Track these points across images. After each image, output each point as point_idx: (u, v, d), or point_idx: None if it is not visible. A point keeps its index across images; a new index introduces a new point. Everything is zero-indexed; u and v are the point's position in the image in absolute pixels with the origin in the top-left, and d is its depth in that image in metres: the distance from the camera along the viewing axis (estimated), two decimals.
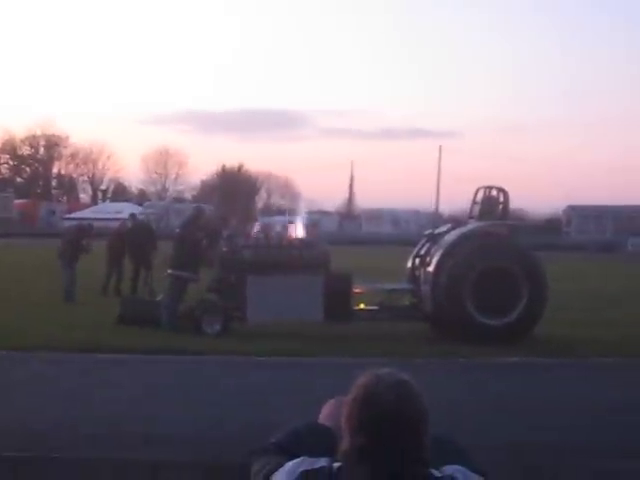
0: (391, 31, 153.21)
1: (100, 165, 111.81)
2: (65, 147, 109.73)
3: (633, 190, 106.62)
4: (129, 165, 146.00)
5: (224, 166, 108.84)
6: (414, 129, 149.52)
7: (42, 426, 9.74)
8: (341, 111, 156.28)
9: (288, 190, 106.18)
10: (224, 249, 18.03)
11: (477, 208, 18.75)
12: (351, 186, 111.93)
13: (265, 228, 19.45)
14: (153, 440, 9.30)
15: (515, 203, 20.17)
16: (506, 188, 18.48)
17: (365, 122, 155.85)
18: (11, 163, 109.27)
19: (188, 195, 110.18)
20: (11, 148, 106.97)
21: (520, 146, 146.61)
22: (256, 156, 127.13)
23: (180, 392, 12.05)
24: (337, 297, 17.25)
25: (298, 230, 18.69)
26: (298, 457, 2.46)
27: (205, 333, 16.77)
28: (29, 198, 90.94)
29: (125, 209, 59.22)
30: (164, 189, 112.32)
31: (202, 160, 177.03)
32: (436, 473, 2.37)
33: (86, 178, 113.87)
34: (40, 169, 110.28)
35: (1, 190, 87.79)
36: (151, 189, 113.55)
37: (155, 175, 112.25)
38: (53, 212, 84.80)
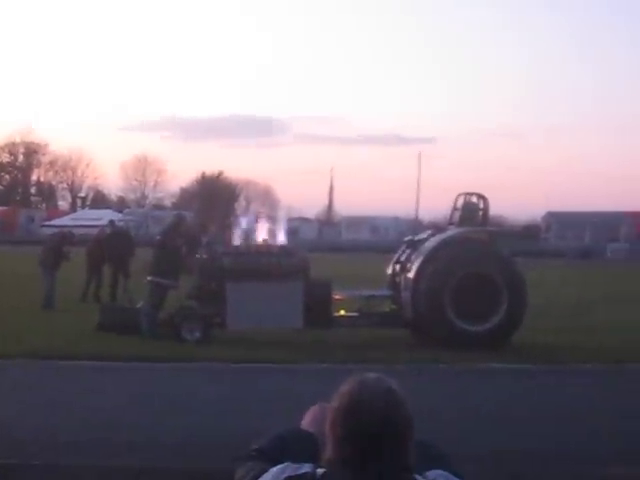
0: (370, 38, 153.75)
1: (79, 172, 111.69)
2: (44, 154, 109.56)
3: (612, 197, 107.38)
4: (108, 172, 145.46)
5: (204, 173, 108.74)
6: (393, 136, 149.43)
7: (22, 433, 9.67)
8: (321, 118, 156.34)
9: (268, 197, 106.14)
10: (204, 256, 17.99)
11: (457, 214, 18.74)
12: (331, 193, 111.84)
13: (245, 235, 19.35)
14: (136, 447, 9.26)
15: (495, 210, 20.21)
16: (486, 195, 18.56)
17: (345, 129, 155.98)
18: None
19: (167, 202, 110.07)
20: None
21: (499, 152, 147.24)
22: (236, 163, 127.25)
23: (161, 399, 11.99)
24: (317, 304, 17.24)
25: (278, 237, 18.69)
26: (282, 463, 2.45)
27: (185, 340, 16.74)
28: (8, 205, 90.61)
29: (105, 216, 58.97)
30: (143, 196, 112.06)
31: (182, 167, 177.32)
32: (419, 478, 2.37)
33: (65, 185, 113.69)
34: (19, 176, 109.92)
35: None
36: (130, 196, 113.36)
37: (134, 182, 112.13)
38: (32, 219, 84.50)
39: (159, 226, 33.37)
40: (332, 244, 65.17)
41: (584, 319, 21.64)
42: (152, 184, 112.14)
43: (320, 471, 2.37)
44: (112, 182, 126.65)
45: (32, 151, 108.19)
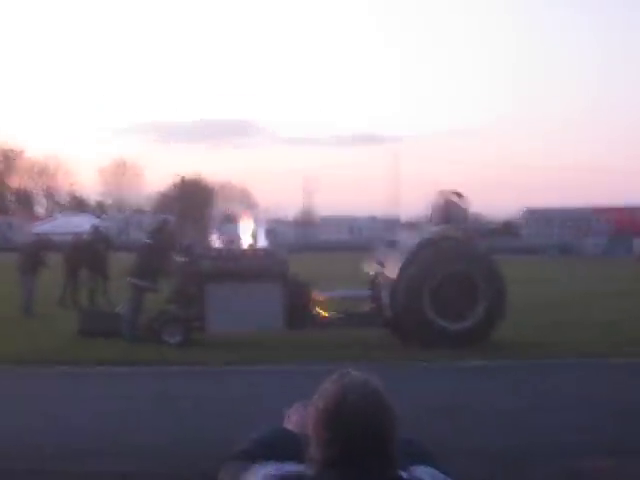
0: (342, 40, 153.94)
1: (57, 178, 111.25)
2: (21, 160, 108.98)
3: (592, 192, 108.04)
4: (86, 178, 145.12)
5: (183, 178, 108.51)
6: (368, 135, 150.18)
7: (3, 439, 9.64)
8: (297, 120, 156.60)
9: (245, 199, 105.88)
10: (183, 259, 17.95)
11: (436, 213, 18.78)
12: (308, 194, 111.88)
13: (223, 237, 19.34)
14: (119, 452, 9.23)
15: (473, 207, 20.27)
16: (464, 192, 18.60)
17: (321, 130, 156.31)
18: None
19: (146, 206, 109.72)
20: None
21: (476, 150, 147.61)
22: (213, 165, 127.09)
23: (144, 403, 11.97)
24: (297, 305, 17.28)
25: (257, 239, 18.66)
26: (267, 463, 2.44)
27: (166, 344, 16.71)
28: None
29: (83, 222, 58.68)
30: (121, 201, 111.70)
31: (159, 171, 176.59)
32: (404, 475, 2.37)
33: (42, 191, 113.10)
34: None
35: None
36: (108, 201, 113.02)
37: (112, 187, 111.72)
38: (10, 226, 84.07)
39: (140, 231, 33.33)
40: (309, 244, 65.15)
41: (563, 315, 21.75)
42: (130, 189, 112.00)
43: (305, 471, 2.38)
44: (90, 187, 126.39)
45: (9, 158, 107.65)
